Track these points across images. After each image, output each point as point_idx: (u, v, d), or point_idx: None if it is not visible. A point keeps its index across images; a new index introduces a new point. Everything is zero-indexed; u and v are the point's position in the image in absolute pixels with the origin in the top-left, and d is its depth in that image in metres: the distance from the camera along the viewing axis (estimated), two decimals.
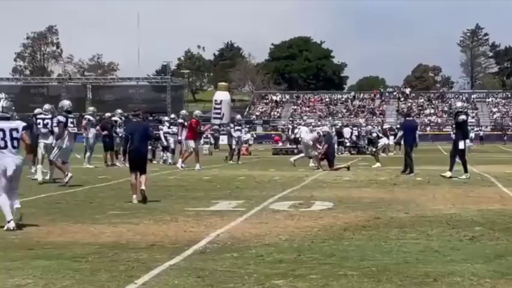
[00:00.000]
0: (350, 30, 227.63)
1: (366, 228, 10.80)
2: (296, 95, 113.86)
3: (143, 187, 14.61)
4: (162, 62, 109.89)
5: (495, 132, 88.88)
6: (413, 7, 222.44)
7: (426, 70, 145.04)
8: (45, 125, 20.91)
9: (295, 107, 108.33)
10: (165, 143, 30.72)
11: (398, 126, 52.36)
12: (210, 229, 10.70)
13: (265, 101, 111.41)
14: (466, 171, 21.52)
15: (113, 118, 30.22)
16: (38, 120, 21.42)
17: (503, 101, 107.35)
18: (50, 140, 20.41)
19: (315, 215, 12.43)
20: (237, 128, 33.54)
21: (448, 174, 21.49)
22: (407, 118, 30.11)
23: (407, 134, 25.03)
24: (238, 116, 37.65)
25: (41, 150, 20.77)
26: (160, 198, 15.24)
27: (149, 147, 25.68)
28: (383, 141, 39.36)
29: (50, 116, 21.09)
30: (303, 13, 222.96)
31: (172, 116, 32.81)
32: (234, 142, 32.81)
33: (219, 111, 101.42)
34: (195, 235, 10.14)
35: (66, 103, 20.55)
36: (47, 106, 22.05)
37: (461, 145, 21.64)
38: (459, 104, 24.26)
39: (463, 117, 22.20)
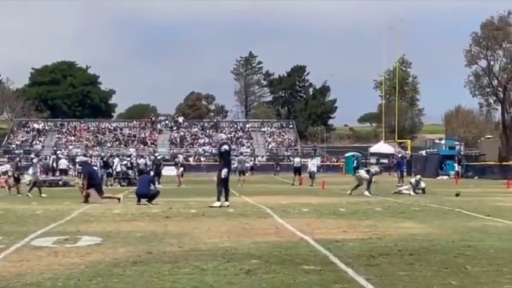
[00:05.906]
0: (119, 56, 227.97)
1: (137, 263, 10.73)
2: (60, 123, 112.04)
3: None
4: None
5: (270, 162, 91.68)
6: (187, 33, 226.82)
7: (199, 98, 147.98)
8: None
9: (60, 135, 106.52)
10: None
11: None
12: None
13: (26, 129, 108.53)
14: (218, 199, 23.05)
15: None
16: None
17: (278, 130, 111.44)
18: None
19: (81, 251, 12.20)
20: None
21: (217, 204, 22.88)
22: None
23: None
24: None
25: None
26: None
27: None
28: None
29: None
30: (67, 36, 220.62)
31: None
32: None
33: None
34: None
35: None
36: None
37: (223, 173, 23.26)
38: (223, 136, 26.77)
39: (225, 147, 24.10)
